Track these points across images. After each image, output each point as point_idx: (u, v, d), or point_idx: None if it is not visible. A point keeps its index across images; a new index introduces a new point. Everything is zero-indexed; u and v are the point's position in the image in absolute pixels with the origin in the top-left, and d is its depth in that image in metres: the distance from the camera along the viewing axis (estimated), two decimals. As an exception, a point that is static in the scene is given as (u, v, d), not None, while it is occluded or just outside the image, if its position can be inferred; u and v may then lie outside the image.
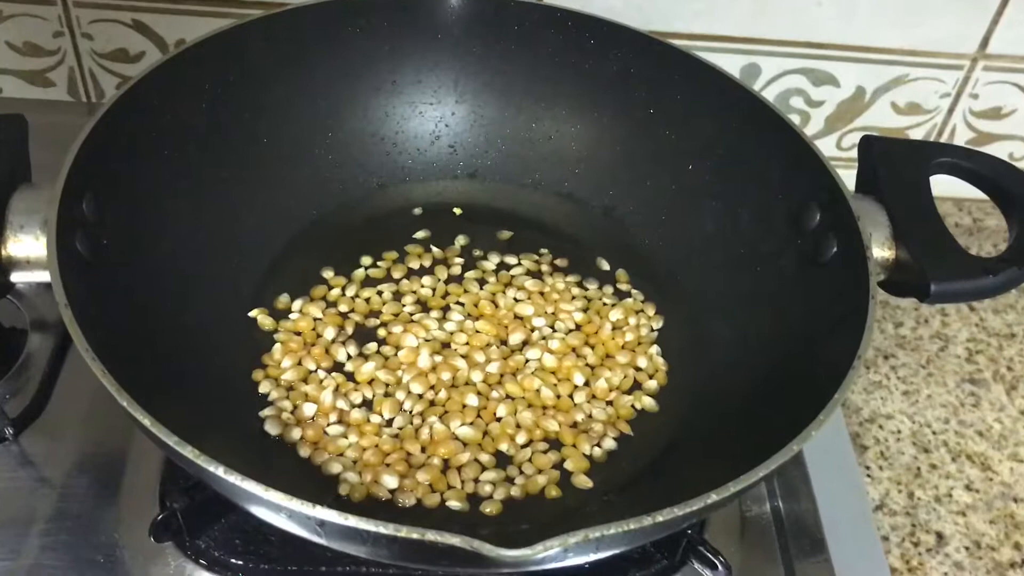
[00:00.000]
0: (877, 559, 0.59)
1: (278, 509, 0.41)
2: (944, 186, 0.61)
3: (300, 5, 0.65)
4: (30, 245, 0.50)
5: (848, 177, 0.59)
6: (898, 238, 0.56)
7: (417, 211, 0.69)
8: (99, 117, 0.54)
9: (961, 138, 0.85)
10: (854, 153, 0.83)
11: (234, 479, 0.40)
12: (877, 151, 0.60)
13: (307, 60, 0.66)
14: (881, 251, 0.56)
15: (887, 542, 0.62)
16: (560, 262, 0.67)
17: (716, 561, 0.53)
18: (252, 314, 0.61)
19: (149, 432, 0.42)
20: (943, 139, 0.85)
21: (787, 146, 0.60)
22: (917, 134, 0.84)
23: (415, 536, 0.39)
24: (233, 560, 0.53)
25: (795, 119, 0.80)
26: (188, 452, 0.41)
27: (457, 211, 0.70)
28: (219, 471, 0.40)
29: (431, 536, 0.39)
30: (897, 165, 0.59)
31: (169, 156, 0.59)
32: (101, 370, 0.43)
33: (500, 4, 0.67)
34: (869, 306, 0.50)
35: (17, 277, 0.51)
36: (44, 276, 0.48)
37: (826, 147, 0.83)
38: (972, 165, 0.60)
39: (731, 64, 0.78)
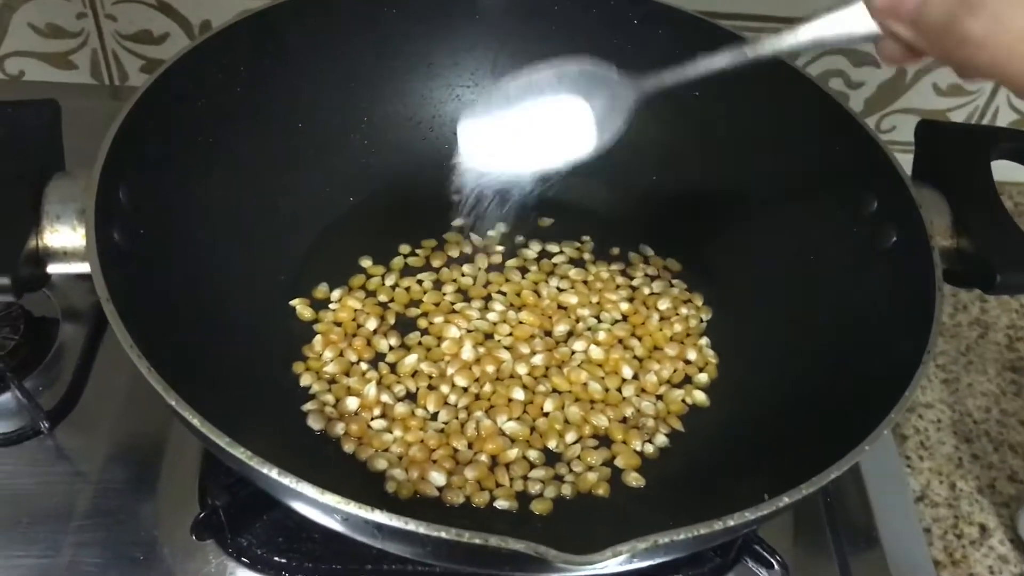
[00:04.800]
0: (920, 552, 0.58)
1: (333, 512, 0.39)
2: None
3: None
4: (67, 236, 0.49)
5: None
6: (960, 227, 0.55)
7: (455, 197, 0.67)
8: (133, 103, 0.52)
9: (1004, 119, 0.84)
10: (894, 136, 0.83)
11: (289, 481, 0.39)
12: (935, 136, 0.59)
13: (340, 42, 0.65)
14: (943, 240, 0.54)
15: (929, 534, 0.61)
16: (604, 250, 0.66)
17: (772, 560, 0.51)
18: (292, 303, 0.60)
19: (199, 432, 0.41)
20: (986, 120, 0.83)
21: (840, 130, 0.58)
22: (959, 115, 0.83)
23: (478, 541, 0.38)
24: (276, 558, 0.52)
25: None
26: (240, 453, 0.39)
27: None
28: (273, 473, 0.39)
29: (494, 541, 0.38)
30: (956, 151, 0.58)
31: (203, 142, 0.58)
32: (147, 368, 0.41)
33: (540, -16, 0.65)
34: (936, 299, 0.49)
35: (54, 269, 0.50)
36: (82, 268, 0.47)
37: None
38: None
39: (771, 44, 0.76)
